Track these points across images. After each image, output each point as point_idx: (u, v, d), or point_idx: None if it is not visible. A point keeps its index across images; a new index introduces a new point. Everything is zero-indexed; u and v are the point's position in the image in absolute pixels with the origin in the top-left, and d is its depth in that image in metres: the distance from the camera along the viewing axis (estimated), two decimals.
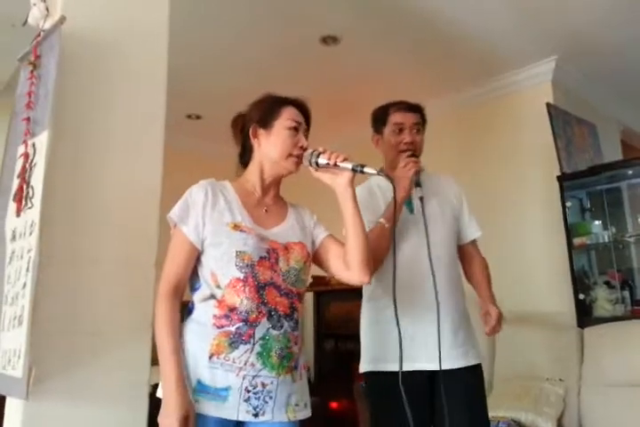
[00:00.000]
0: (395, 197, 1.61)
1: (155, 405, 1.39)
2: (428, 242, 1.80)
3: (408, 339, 1.68)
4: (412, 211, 1.91)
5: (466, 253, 2.03)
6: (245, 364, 1.34)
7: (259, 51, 3.52)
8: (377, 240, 1.72)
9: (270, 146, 1.51)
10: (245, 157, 1.60)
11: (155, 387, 1.46)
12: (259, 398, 1.34)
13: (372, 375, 1.85)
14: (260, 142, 1.53)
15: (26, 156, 1.58)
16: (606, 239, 3.41)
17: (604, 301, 3.29)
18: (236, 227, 1.42)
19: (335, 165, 1.46)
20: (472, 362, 1.85)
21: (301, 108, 1.58)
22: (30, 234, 1.48)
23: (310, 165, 1.50)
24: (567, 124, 3.78)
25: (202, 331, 1.37)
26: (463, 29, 3.30)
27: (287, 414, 1.39)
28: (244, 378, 1.33)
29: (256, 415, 1.34)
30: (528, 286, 3.58)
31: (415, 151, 1.92)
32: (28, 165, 1.57)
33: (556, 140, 3.56)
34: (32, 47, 1.66)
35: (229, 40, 3.38)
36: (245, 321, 1.35)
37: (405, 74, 3.88)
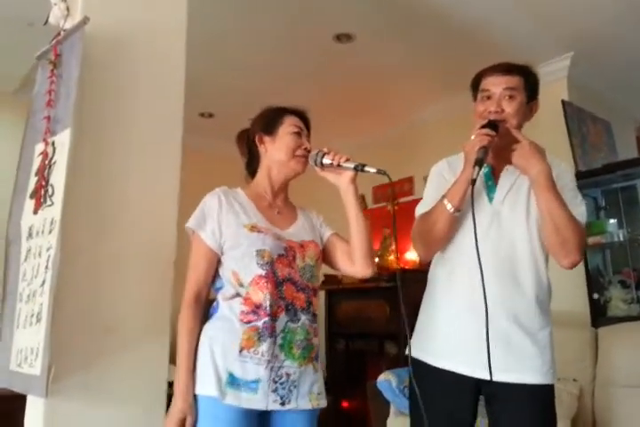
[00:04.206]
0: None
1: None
2: (476, 236, 1.46)
3: (452, 335, 1.58)
4: (491, 200, 1.62)
5: None
6: (271, 356, 1.42)
7: (272, 48, 3.52)
8: (433, 218, 1.58)
9: (276, 150, 1.62)
10: (253, 165, 1.70)
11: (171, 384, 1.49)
12: (284, 387, 1.44)
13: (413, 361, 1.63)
14: (267, 148, 1.64)
15: (45, 154, 1.59)
16: (621, 238, 3.36)
17: (618, 300, 3.25)
18: (253, 228, 1.51)
19: (338, 165, 1.54)
20: (529, 380, 1.54)
21: (301, 116, 1.69)
22: (50, 232, 1.49)
23: (315, 164, 1.57)
24: (582, 122, 3.75)
25: (229, 327, 1.44)
26: (478, 27, 3.28)
27: (311, 402, 1.48)
28: (271, 370, 1.42)
29: (283, 404, 1.43)
30: None
31: (503, 121, 1.57)
32: (47, 163, 1.58)
33: (571, 138, 3.53)
34: (52, 46, 1.67)
35: (242, 38, 3.38)
36: (270, 315, 1.43)
37: (420, 72, 3.86)
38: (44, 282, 1.47)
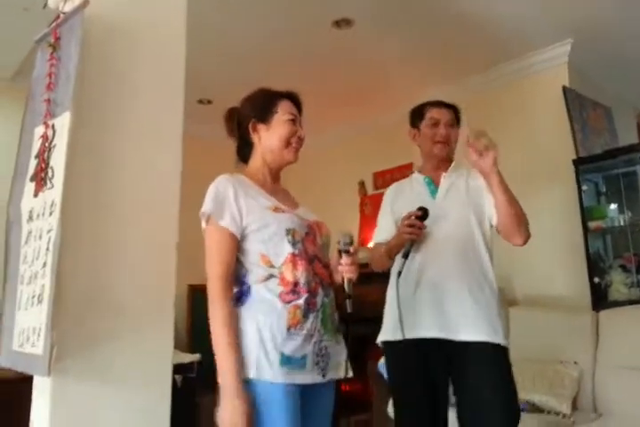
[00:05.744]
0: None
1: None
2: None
3: (411, 310, 1.90)
4: (434, 199, 2.05)
5: None
6: (314, 331, 1.45)
7: (270, 34, 3.50)
8: (381, 256, 2.04)
9: (270, 139, 1.60)
10: (245, 151, 1.67)
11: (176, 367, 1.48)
12: (324, 360, 1.47)
13: (386, 344, 2.05)
14: (261, 136, 1.62)
15: (45, 137, 1.59)
16: (622, 223, 3.38)
17: (619, 284, 3.28)
18: (277, 209, 1.52)
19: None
20: (483, 338, 1.85)
21: (294, 100, 1.67)
22: (50, 214, 1.49)
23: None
24: (583, 108, 3.74)
25: (271, 308, 1.43)
26: (478, 13, 3.25)
27: (341, 373, 1.53)
28: (314, 345, 1.45)
29: (324, 376, 1.47)
30: (543, 270, 3.57)
31: (448, 144, 2.08)
32: (47, 146, 1.58)
33: (572, 124, 3.53)
34: (52, 29, 1.66)
35: (240, 24, 3.35)
36: (309, 291, 1.45)
37: (420, 58, 3.84)
38: (45, 264, 1.47)
